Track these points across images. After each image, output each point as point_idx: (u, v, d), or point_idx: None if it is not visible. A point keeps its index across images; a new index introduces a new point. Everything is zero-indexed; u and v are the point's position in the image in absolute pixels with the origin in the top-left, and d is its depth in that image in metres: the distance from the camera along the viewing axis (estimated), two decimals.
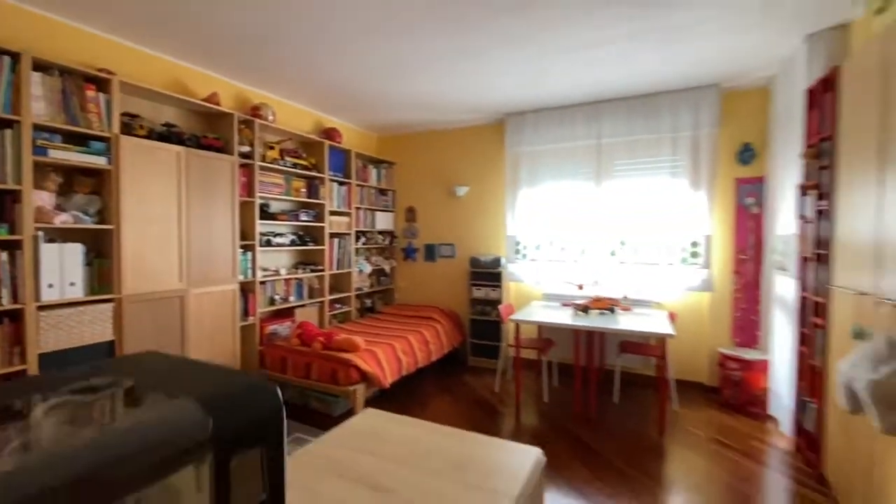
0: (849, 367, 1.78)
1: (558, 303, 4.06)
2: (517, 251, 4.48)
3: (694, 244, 3.75)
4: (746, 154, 3.63)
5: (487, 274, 4.52)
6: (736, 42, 2.82)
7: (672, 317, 3.54)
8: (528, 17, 2.50)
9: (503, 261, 4.51)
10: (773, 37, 2.75)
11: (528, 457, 1.20)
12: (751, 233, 3.61)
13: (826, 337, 2.32)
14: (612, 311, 3.52)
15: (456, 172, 4.94)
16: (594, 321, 3.29)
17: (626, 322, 3.26)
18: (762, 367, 3.27)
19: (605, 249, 4.09)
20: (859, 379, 1.67)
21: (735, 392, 3.36)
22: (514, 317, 3.54)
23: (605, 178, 4.07)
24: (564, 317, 3.46)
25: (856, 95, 2.12)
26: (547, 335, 4.04)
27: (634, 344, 3.68)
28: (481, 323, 4.57)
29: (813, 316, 2.49)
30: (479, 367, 4.55)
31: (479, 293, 4.56)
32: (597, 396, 3.59)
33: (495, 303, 4.45)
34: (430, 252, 5.11)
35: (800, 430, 2.68)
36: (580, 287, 4.05)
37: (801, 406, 2.65)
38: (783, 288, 3.03)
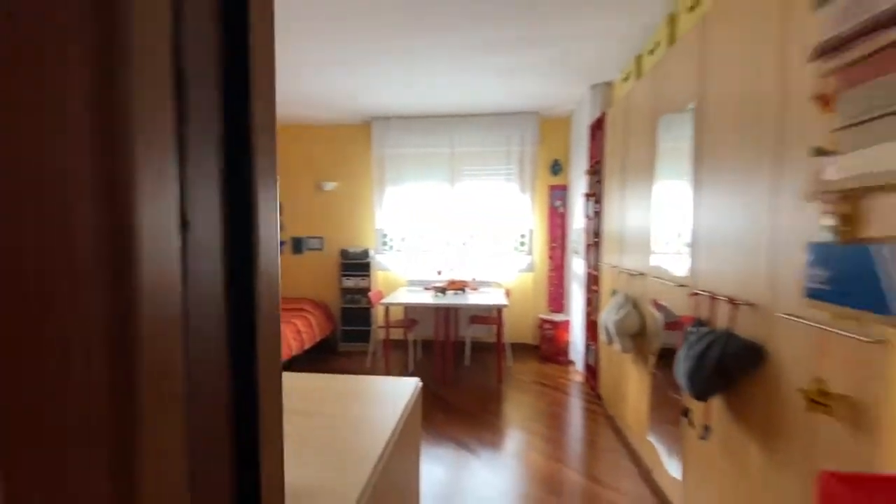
0: (605, 314, 2.76)
1: (421, 287, 4.69)
2: (385, 243, 4.97)
3: (522, 236, 4.79)
4: (556, 167, 4.79)
5: (357, 265, 4.90)
6: (548, 84, 3.79)
7: (507, 293, 4.48)
8: (395, 48, 2.98)
9: (372, 252, 4.94)
10: (569, 84, 3.78)
11: (410, 384, 1.71)
12: (559, 227, 4.79)
13: (598, 298, 3.40)
14: (464, 291, 4.29)
15: (324, 167, 5.15)
16: (450, 300, 4.00)
17: (474, 299, 4.05)
18: (566, 325, 4.43)
19: (459, 240, 4.87)
20: (610, 321, 2.64)
21: (549, 346, 4.47)
22: (383, 301, 4.03)
23: (457, 181, 4.83)
24: (427, 298, 4.09)
25: (613, 133, 3.18)
26: (412, 315, 4.64)
27: (481, 317, 4.53)
28: (351, 311, 4.93)
29: (592, 284, 3.58)
30: (350, 352, 4.91)
31: (350, 283, 4.91)
32: (453, 362, 4.34)
33: (365, 291, 4.86)
34: (298, 245, 5.22)
35: (587, 366, 3.81)
36: (439, 272, 4.76)
37: (587, 349, 3.77)
38: (578, 267, 4.19)
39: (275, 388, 0.40)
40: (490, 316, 4.56)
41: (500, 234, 4.84)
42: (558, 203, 4.79)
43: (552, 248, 4.81)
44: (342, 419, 1.39)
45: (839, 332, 1.03)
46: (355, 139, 5.06)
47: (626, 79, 3.17)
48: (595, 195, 3.57)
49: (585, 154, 3.89)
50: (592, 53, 3.11)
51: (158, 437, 0.27)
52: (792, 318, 1.20)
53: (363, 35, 2.85)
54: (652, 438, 2.28)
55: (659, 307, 2.20)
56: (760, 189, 1.38)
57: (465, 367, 4.32)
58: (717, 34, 1.70)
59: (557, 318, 4.53)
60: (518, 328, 4.89)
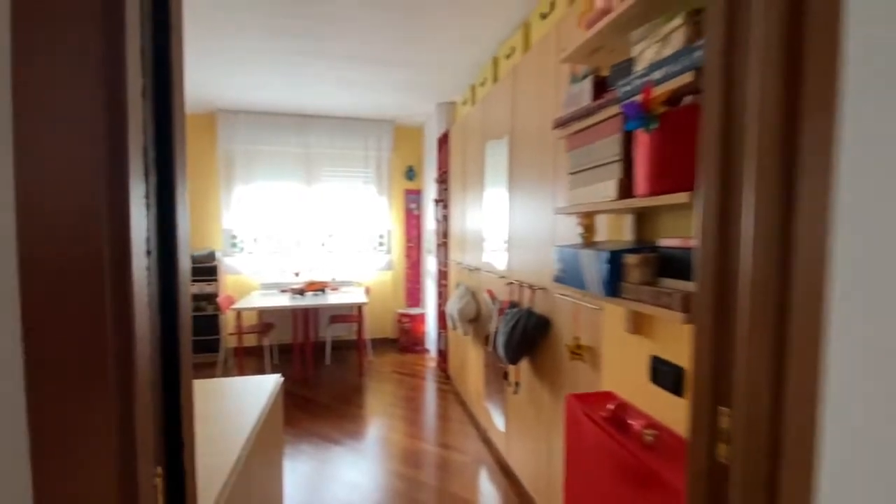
0: (450, 304, 3.21)
1: (277, 290, 4.58)
2: (234, 244, 4.69)
3: (381, 236, 5.06)
4: (411, 173, 5.19)
5: (202, 269, 4.52)
6: (401, 98, 4.12)
7: (367, 291, 4.70)
8: (253, 49, 2.93)
9: (219, 254, 4.61)
10: (420, 100, 4.18)
11: (270, 380, 1.82)
12: (414, 228, 5.21)
13: (447, 291, 3.88)
14: (323, 291, 4.36)
15: None
16: (310, 301, 4.04)
17: (334, 298, 4.17)
18: (422, 318, 4.87)
19: (317, 241, 4.89)
20: (453, 309, 3.09)
21: (407, 338, 4.85)
22: (235, 306, 3.85)
23: (314, 182, 4.84)
24: (284, 300, 4.05)
25: (455, 148, 3.67)
26: (267, 319, 4.50)
27: (342, 316, 4.65)
28: (196, 319, 4.53)
29: (442, 279, 4.06)
30: (197, 364, 4.50)
31: (193, 289, 4.50)
32: (313, 362, 4.38)
33: (212, 297, 4.52)
34: None
35: (439, 351, 4.29)
36: (296, 274, 4.71)
37: (438, 336, 4.24)
38: (431, 264, 4.65)
39: (188, 366, 0.57)
40: (351, 314, 4.71)
41: (359, 234, 5.03)
42: (413, 206, 5.20)
43: (409, 248, 5.20)
44: (200, 419, 1.45)
45: (583, 303, 1.55)
46: (196, 131, 4.65)
47: (465, 103, 3.69)
48: (443, 201, 4.04)
49: (434, 164, 4.35)
50: (438, 77, 3.54)
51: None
52: (562, 296, 1.73)
53: (217, 28, 2.74)
54: (487, 404, 2.79)
55: (492, 296, 2.71)
56: (545, 203, 1.90)
57: (326, 367, 4.41)
58: (522, 84, 2.22)
59: (414, 311, 4.94)
60: (378, 324, 5.15)
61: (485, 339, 2.73)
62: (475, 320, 2.98)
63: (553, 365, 1.88)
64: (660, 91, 0.81)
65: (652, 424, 1.09)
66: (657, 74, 0.84)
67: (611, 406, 1.18)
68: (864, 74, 0.61)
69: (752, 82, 0.63)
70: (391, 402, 3.58)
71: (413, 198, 5.21)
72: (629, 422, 1.12)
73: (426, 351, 4.86)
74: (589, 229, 1.60)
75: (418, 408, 3.50)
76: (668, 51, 0.83)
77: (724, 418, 0.68)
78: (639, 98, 0.84)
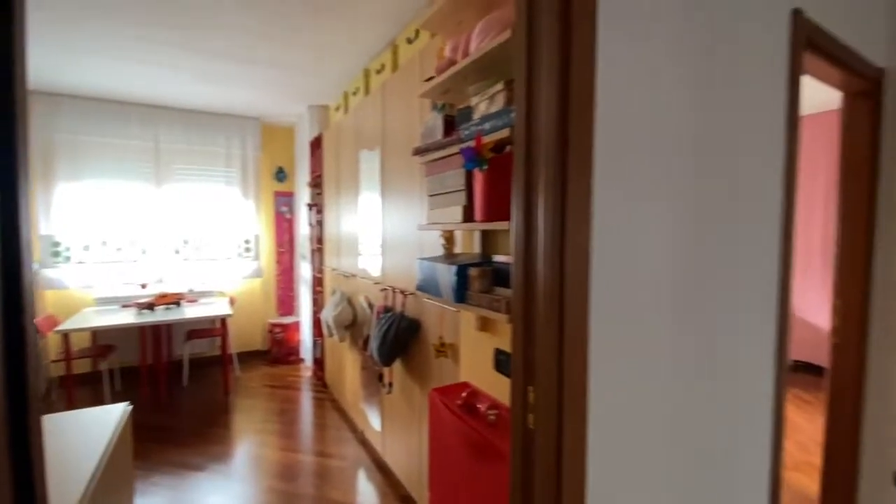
0: (325, 311, 3.21)
1: (117, 305, 3.96)
2: (56, 254, 3.91)
3: (247, 241, 4.73)
4: (281, 175, 4.96)
5: None
6: (268, 97, 3.92)
7: (232, 301, 4.36)
8: (79, 26, 2.51)
9: (36, 266, 3.80)
10: (288, 101, 4.04)
11: (115, 412, 1.64)
12: (286, 232, 4.99)
13: (323, 298, 3.84)
14: (178, 304, 3.92)
15: None
16: (161, 316, 3.60)
17: (192, 312, 3.78)
18: (296, 326, 4.70)
19: (169, 248, 4.35)
20: (329, 316, 3.09)
21: (279, 349, 4.64)
22: (60, 328, 3.24)
23: (165, 181, 4.30)
24: (128, 317, 3.53)
25: (329, 153, 3.66)
26: (106, 341, 3.87)
27: (201, 330, 4.23)
28: None
29: (317, 286, 3.99)
30: None
31: None
32: (167, 385, 3.90)
33: None
34: None
35: (315, 360, 4.20)
36: (143, 286, 4.13)
37: (314, 344, 4.16)
38: (305, 270, 4.52)
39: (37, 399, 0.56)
40: (212, 328, 4.32)
41: (221, 240, 4.62)
42: (284, 209, 4.98)
43: (280, 253, 4.96)
44: None
45: (445, 307, 1.75)
46: None
47: (338, 108, 3.70)
48: (317, 205, 3.98)
49: (307, 168, 4.25)
50: (308, 80, 3.48)
51: None
52: (429, 300, 1.91)
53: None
54: (364, 406, 2.87)
55: (368, 302, 2.79)
56: (414, 214, 2.08)
57: (183, 388, 3.97)
58: (391, 101, 2.36)
59: (287, 320, 4.74)
60: (246, 336, 4.81)
61: (361, 344, 2.81)
62: (351, 326, 3.03)
63: (422, 363, 2.06)
64: (489, 139, 1.02)
65: (495, 405, 1.32)
66: (487, 125, 1.05)
67: (464, 394, 1.38)
68: (608, 143, 0.89)
69: (542, 141, 0.85)
70: (262, 417, 3.41)
71: (284, 200, 4.98)
72: (478, 406, 1.34)
73: (301, 361, 4.71)
74: (450, 241, 1.81)
75: (293, 420, 3.40)
76: (494, 108, 1.05)
77: (531, 394, 0.91)
78: (473, 143, 1.04)
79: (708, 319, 1.19)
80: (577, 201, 0.84)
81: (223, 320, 3.86)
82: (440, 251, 1.82)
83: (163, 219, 4.30)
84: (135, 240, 4.21)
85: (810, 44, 1.47)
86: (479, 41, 1.10)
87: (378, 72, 2.74)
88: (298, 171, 4.81)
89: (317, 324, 4.01)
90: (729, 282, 1.25)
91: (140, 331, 3.68)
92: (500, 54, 1.05)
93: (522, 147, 0.89)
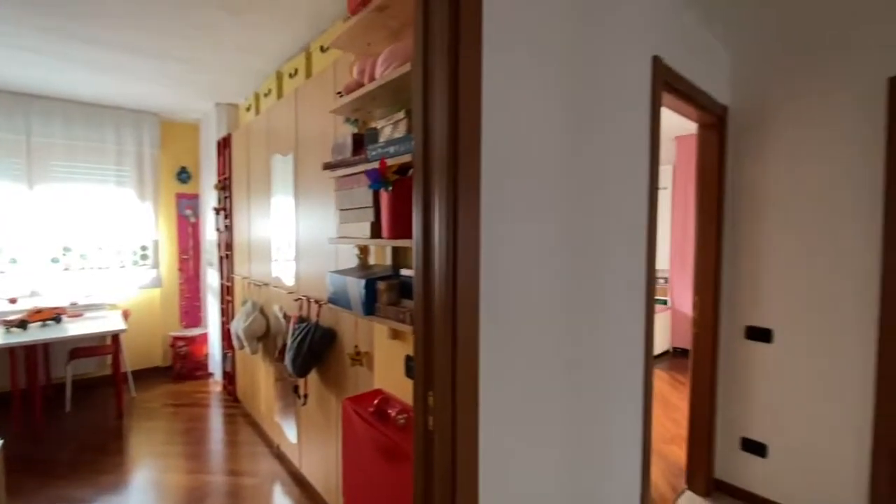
0: (235, 322, 3.05)
1: None
2: None
3: (143, 248, 4.31)
4: (184, 175, 4.58)
5: None
6: (170, 91, 3.61)
7: (126, 314, 3.95)
8: None
9: None
10: (192, 97, 3.76)
11: None
12: (190, 237, 4.62)
13: (233, 307, 3.64)
14: (57, 320, 3.46)
15: None
16: (35, 335, 3.15)
17: (75, 328, 3.36)
18: (203, 339, 4.38)
19: (45, 257, 3.82)
20: (239, 328, 2.95)
21: (184, 364, 4.29)
22: None
23: (40, 181, 3.77)
24: None
25: (238, 155, 3.48)
26: None
27: (88, 348, 3.77)
28: None
29: (226, 295, 3.77)
30: None
31: None
32: (44, 411, 3.43)
33: None
34: None
35: (225, 374, 3.96)
36: (13, 301, 3.58)
37: (224, 357, 3.92)
38: (213, 278, 4.23)
39: None
40: (102, 346, 3.87)
41: (111, 247, 4.15)
42: (188, 212, 4.61)
43: (183, 260, 4.58)
44: None
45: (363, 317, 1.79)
46: None
47: (248, 109, 3.53)
48: (225, 209, 3.75)
49: (214, 169, 3.99)
50: (216, 77, 3.27)
51: None
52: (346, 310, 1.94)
53: None
54: (279, 419, 2.79)
55: (284, 312, 2.71)
56: (329, 223, 2.08)
57: (66, 414, 3.51)
58: (305, 108, 2.33)
59: (193, 332, 4.39)
60: (144, 351, 4.38)
61: (276, 355, 2.73)
62: (264, 337, 2.93)
63: (339, 373, 2.08)
64: (392, 163, 1.10)
65: (405, 410, 1.40)
66: (391, 149, 1.13)
67: (376, 401, 1.44)
68: (494, 168, 1.00)
69: (437, 168, 0.95)
70: (164, 439, 3.15)
71: (188, 203, 4.61)
72: (389, 411, 1.41)
73: (209, 375, 4.40)
74: (364, 252, 1.85)
75: (200, 439, 3.18)
76: (398, 133, 1.13)
77: (431, 399, 1.00)
78: (378, 166, 1.11)
79: (586, 320, 1.38)
80: (467, 221, 0.95)
81: (115, 336, 3.49)
82: (355, 261, 1.86)
83: (37, 224, 3.76)
84: (1, 248, 3.63)
85: (667, 84, 1.75)
86: (383, 69, 1.17)
87: (291, 75, 2.69)
88: (204, 172, 4.48)
89: (226, 335, 3.79)
90: (604, 286, 1.46)
91: (9, 352, 3.19)
92: (401, 83, 1.13)
93: (420, 172, 0.98)
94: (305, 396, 2.32)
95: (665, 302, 5.20)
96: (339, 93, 1.62)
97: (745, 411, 2.32)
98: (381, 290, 1.23)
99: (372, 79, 1.23)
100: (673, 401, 3.71)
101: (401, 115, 1.11)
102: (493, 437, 1.05)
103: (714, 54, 2.21)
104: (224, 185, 3.79)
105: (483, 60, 0.98)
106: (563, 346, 1.28)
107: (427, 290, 0.98)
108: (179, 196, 4.57)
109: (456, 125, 0.93)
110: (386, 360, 1.65)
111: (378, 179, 1.09)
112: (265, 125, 2.91)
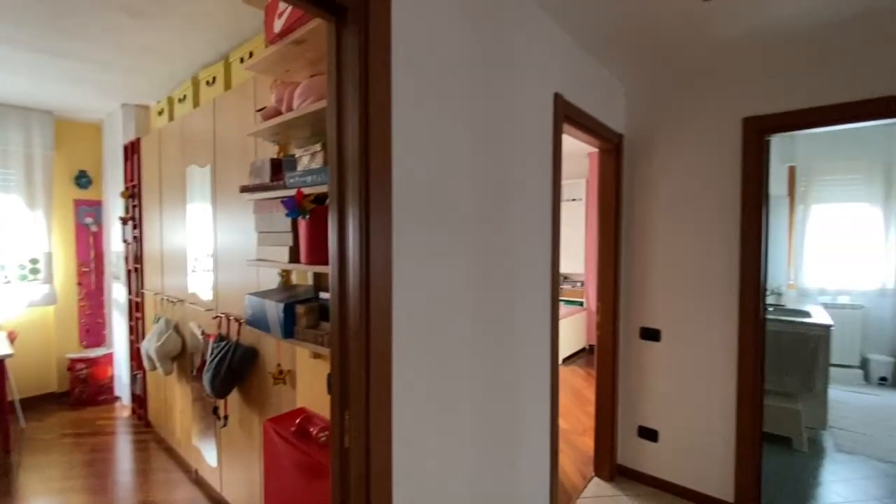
0: (146, 342, 2.86)
1: None
2: None
3: (33, 261, 3.84)
4: (83, 180, 4.16)
5: None
6: (66, 89, 3.27)
7: (12, 336, 3.51)
8: None
9: None
10: (93, 96, 3.45)
11: None
12: (91, 248, 4.20)
13: (143, 325, 3.38)
14: None
15: None
16: None
17: None
18: (108, 359, 4.00)
19: None
20: (151, 348, 2.77)
21: (84, 388, 3.89)
22: None
23: None
24: None
25: (149, 161, 3.25)
26: None
27: None
28: None
29: (135, 312, 3.50)
30: None
31: None
32: None
33: None
34: None
35: (134, 396, 3.66)
36: None
37: (133, 379, 3.62)
38: (119, 293, 3.89)
39: None
40: None
41: None
42: (89, 220, 4.19)
43: (83, 274, 4.15)
44: None
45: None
46: None
47: (161, 113, 3.31)
48: (134, 219, 3.48)
49: (121, 175, 3.68)
50: (121, 77, 3.04)
51: None
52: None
53: None
54: (197, 443, 2.66)
55: (202, 330, 2.59)
56: (250, 239, 2.05)
57: None
58: (223, 120, 2.27)
59: (95, 353, 4.00)
60: (35, 377, 3.90)
61: (194, 374, 2.61)
62: (180, 356, 2.77)
63: (261, 391, 2.05)
64: (310, 192, 1.15)
65: (326, 427, 1.44)
66: (309, 179, 1.17)
67: (298, 420, 1.47)
68: (405, 202, 1.09)
69: (350, 199, 1.02)
70: (62, 474, 2.85)
71: (89, 210, 4.19)
72: (311, 430, 1.44)
73: (116, 400, 4.03)
74: (287, 275, 1.86)
75: (105, 471, 2.93)
76: (315, 164, 1.18)
77: (346, 418, 1.06)
78: (294, 194, 1.15)
79: (495, 330, 1.52)
80: (379, 248, 1.03)
81: (1, 362, 3.09)
82: (277, 279, 1.85)
83: None
84: None
85: (568, 117, 1.97)
86: (300, 102, 1.21)
87: (209, 83, 2.59)
88: (108, 177, 4.11)
89: (136, 355, 3.51)
90: (513, 295, 1.61)
91: None
92: (318, 116, 1.18)
93: (335, 203, 1.05)
94: (226, 417, 2.25)
95: (581, 304, 5.65)
96: (259, 110, 1.62)
97: (641, 402, 2.63)
98: (301, 314, 1.27)
99: (290, 108, 1.26)
100: (587, 395, 4.06)
101: (317, 147, 1.17)
102: (406, 448, 1.14)
103: (612, 90, 2.50)
104: (132, 193, 3.52)
105: (393, 100, 1.07)
106: (475, 354, 1.40)
107: (342, 315, 1.05)
108: (78, 203, 4.14)
109: (366, 161, 1.01)
110: (309, 379, 1.68)
111: (294, 208, 1.13)
112: (179, 132, 2.76)
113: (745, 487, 2.24)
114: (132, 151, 3.50)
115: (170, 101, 3.14)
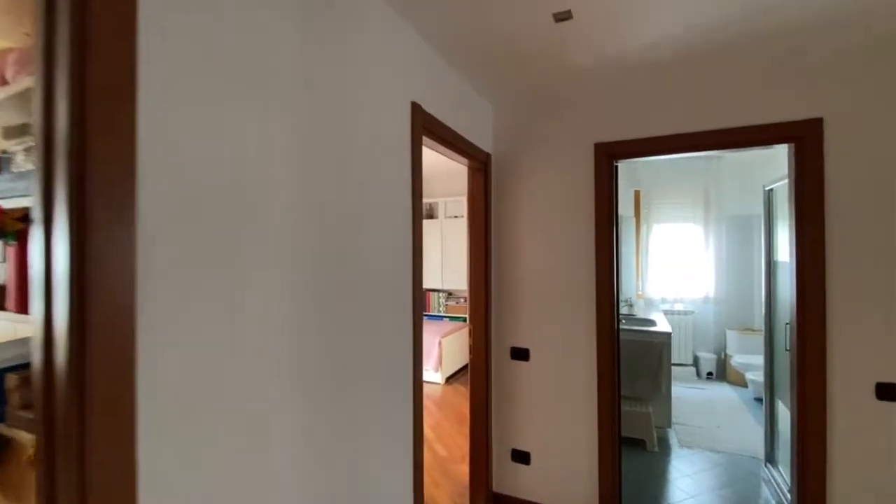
0: None
1: None
2: None
3: None
4: None
5: None
6: None
7: None
8: None
9: None
10: None
11: None
12: None
13: None
14: None
15: None
16: None
17: None
18: None
19: None
20: None
21: None
22: None
23: None
24: None
25: None
26: None
27: None
28: None
29: None
30: None
31: None
32: None
33: None
34: None
35: None
36: None
37: None
38: None
39: None
40: None
41: None
42: None
43: None
44: None
45: None
46: None
47: None
48: None
49: None
50: None
51: None
52: None
53: None
54: None
55: None
56: None
57: None
58: None
59: None
60: None
61: None
62: None
63: (16, 480, 1.47)
64: (13, 207, 0.77)
65: None
66: (22, 185, 0.79)
67: None
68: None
69: (58, 212, 0.68)
70: None
71: None
72: None
73: None
74: None
75: None
76: (31, 165, 0.81)
77: None
78: None
79: (335, 382, 1.25)
80: (106, 286, 0.70)
81: None
82: None
83: None
84: None
85: (430, 130, 1.82)
86: (14, 73, 0.83)
87: None
88: None
89: None
90: (362, 333, 1.37)
91: None
92: None
93: (41, 216, 0.69)
94: None
95: (465, 319, 5.65)
96: None
97: (513, 424, 2.58)
98: (12, 389, 0.85)
99: (5, 82, 0.86)
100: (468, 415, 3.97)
101: (24, 143, 0.79)
102: None
103: (480, 109, 2.45)
104: None
105: (140, 66, 0.77)
106: (307, 410, 1.12)
107: (47, 408, 0.69)
108: None
109: (84, 142, 0.68)
110: None
111: None
112: None
113: (608, 497, 2.29)
114: None
115: None
